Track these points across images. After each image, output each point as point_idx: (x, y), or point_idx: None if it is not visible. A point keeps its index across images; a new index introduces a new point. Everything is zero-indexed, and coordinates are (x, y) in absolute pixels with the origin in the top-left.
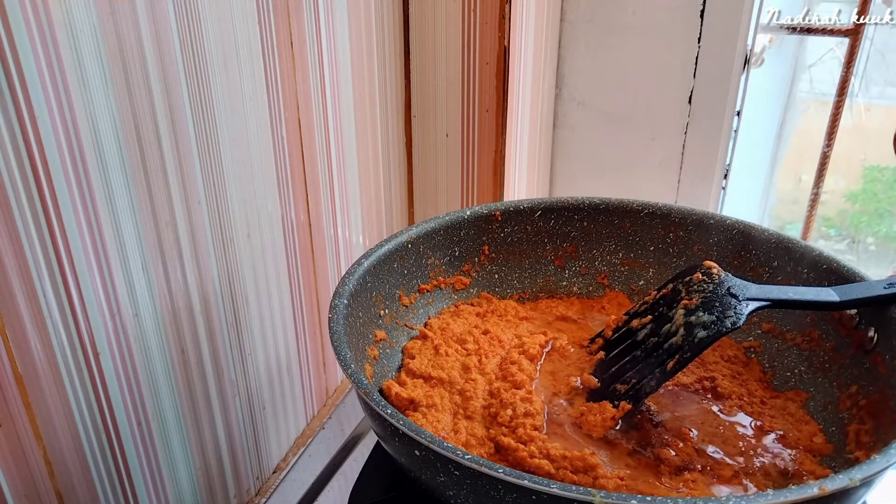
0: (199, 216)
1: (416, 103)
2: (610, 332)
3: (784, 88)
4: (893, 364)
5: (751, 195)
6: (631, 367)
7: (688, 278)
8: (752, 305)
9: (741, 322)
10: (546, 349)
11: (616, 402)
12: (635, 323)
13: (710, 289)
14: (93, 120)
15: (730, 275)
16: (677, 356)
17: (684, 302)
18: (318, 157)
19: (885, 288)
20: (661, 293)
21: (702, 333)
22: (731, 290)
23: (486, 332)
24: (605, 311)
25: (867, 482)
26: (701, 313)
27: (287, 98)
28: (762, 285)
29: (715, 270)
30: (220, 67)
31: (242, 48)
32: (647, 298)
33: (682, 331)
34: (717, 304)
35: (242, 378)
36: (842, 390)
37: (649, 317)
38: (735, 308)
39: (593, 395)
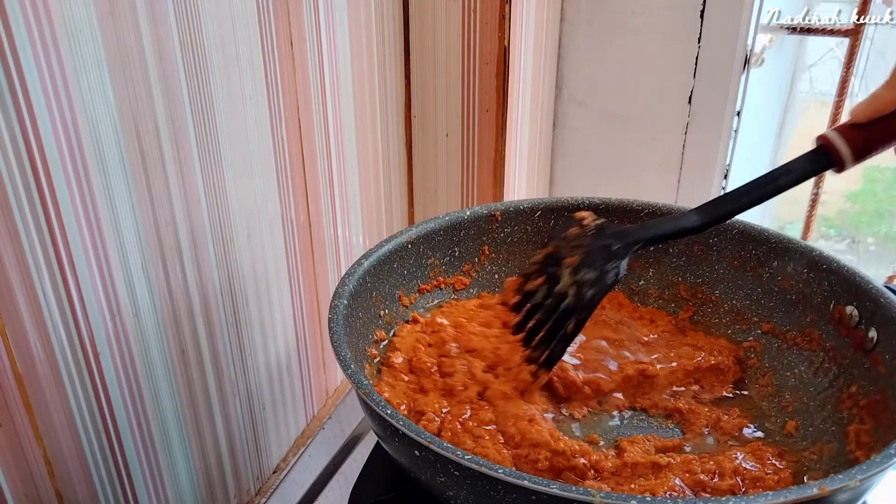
0: (199, 216)
1: (416, 103)
2: (510, 298)
3: (784, 88)
4: (893, 364)
5: None
6: (536, 331)
7: (564, 234)
8: (629, 252)
9: (622, 274)
10: None
11: (535, 369)
12: (530, 286)
13: (588, 242)
14: (93, 120)
15: (603, 222)
16: (573, 318)
17: (567, 260)
18: (318, 157)
19: (740, 204)
20: (545, 253)
21: (590, 292)
22: (606, 242)
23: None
24: (604, 309)
25: (867, 482)
26: (584, 271)
27: (287, 98)
28: (633, 227)
29: (587, 221)
30: (220, 67)
31: (242, 48)
32: (535, 258)
33: (572, 290)
34: (596, 259)
35: (242, 378)
36: (842, 390)
37: (542, 278)
38: (614, 258)
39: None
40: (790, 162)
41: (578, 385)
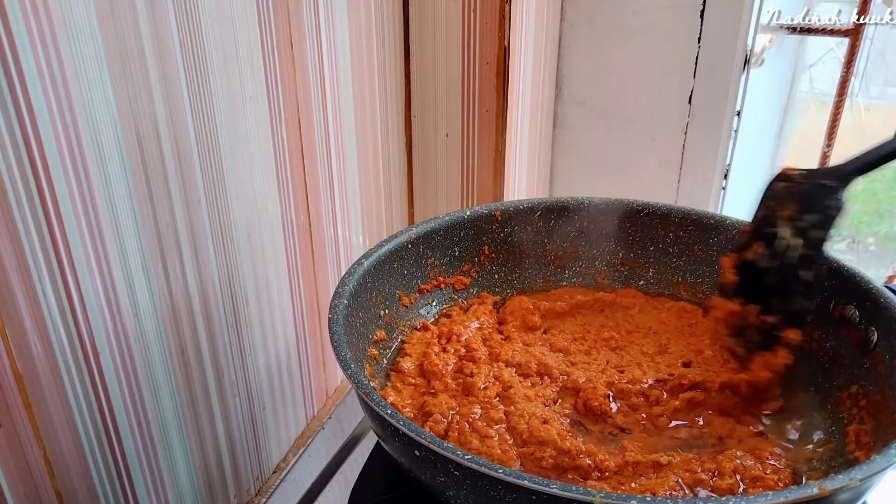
0: (199, 216)
1: (416, 103)
2: (730, 278)
3: (784, 88)
4: (893, 364)
5: (751, 195)
6: (775, 295)
7: (773, 192)
8: (845, 184)
9: (843, 204)
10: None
11: (773, 337)
12: (749, 254)
13: (800, 189)
14: (93, 120)
15: (809, 169)
16: (812, 266)
17: (781, 213)
18: (318, 157)
19: None
20: (757, 218)
21: (817, 234)
22: (819, 181)
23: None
24: (621, 304)
25: (867, 482)
26: (805, 216)
27: (287, 98)
28: (843, 162)
29: (793, 173)
30: (220, 67)
31: (242, 48)
32: (744, 229)
33: (795, 241)
34: (813, 200)
35: (242, 378)
36: (842, 390)
37: (760, 244)
38: (831, 194)
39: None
40: None
41: (610, 416)
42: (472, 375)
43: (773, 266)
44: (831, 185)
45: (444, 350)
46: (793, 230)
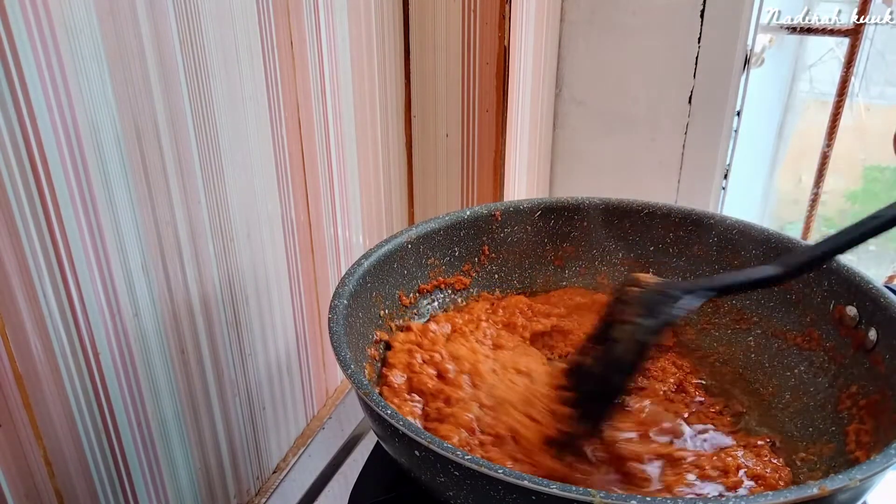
0: (199, 216)
1: (416, 103)
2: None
3: (784, 88)
4: (893, 364)
5: (751, 195)
6: (587, 399)
7: (624, 295)
8: (696, 298)
9: (684, 311)
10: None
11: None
12: (587, 361)
13: (646, 295)
14: (93, 120)
15: (665, 281)
16: (622, 374)
17: (622, 317)
18: (318, 157)
19: (820, 252)
20: (602, 321)
21: (643, 333)
22: (668, 292)
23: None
24: None
25: (867, 482)
26: (642, 320)
27: (287, 98)
28: (701, 280)
29: (643, 280)
30: (220, 67)
31: (242, 48)
32: (589, 333)
33: (621, 346)
34: (655, 306)
35: (242, 378)
36: (842, 390)
37: (598, 348)
38: (670, 303)
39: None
40: (877, 210)
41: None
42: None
43: (599, 370)
44: (678, 295)
45: (431, 359)
46: (628, 334)
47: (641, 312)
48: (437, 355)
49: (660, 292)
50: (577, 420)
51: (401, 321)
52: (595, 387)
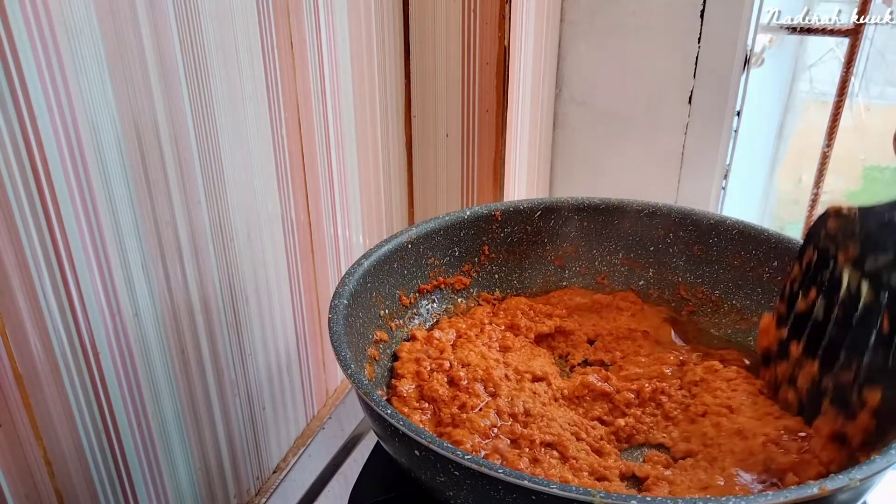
0: (199, 216)
1: (416, 103)
2: (769, 341)
3: (784, 88)
4: (893, 364)
5: (751, 195)
6: (835, 356)
7: (824, 233)
8: None
9: None
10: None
11: (846, 401)
12: (801, 306)
13: (858, 228)
14: (93, 120)
15: (865, 205)
16: (886, 313)
17: (842, 256)
18: (318, 157)
19: None
20: (805, 263)
21: (894, 276)
22: (881, 218)
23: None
24: (620, 309)
25: (867, 482)
26: (873, 256)
27: (287, 98)
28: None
29: (844, 210)
30: (220, 67)
31: (242, 48)
32: (793, 273)
33: (865, 285)
34: (882, 238)
35: (242, 378)
36: None
37: (812, 292)
38: None
39: (807, 411)
40: None
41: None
42: (467, 408)
43: (836, 318)
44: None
45: (440, 367)
46: (860, 274)
47: (867, 248)
48: (446, 363)
49: (881, 222)
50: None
51: (401, 321)
52: (840, 332)
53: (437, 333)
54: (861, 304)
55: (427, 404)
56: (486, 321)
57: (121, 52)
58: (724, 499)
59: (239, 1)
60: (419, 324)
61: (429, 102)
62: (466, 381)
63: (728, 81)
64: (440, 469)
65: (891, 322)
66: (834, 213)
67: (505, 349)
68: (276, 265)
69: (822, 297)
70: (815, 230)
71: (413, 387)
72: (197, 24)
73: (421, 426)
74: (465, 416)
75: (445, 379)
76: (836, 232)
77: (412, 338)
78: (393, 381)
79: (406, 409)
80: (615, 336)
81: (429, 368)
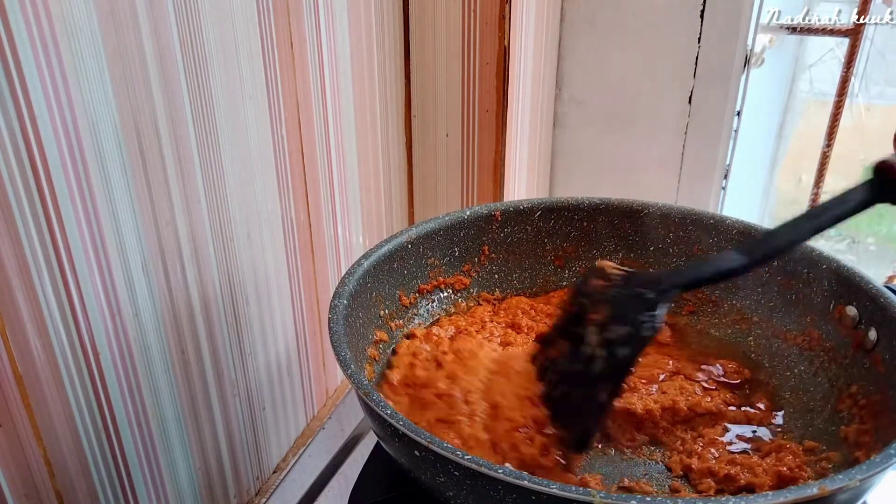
0: (199, 216)
1: (416, 103)
2: (531, 363)
3: (784, 88)
4: (893, 364)
5: (751, 195)
6: (565, 406)
7: (588, 288)
8: (666, 299)
9: (658, 325)
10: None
11: (563, 449)
12: (553, 353)
13: (614, 294)
14: (93, 120)
15: (631, 270)
16: (609, 384)
17: (592, 317)
18: (318, 157)
19: (785, 241)
20: (567, 312)
21: (623, 351)
22: (636, 291)
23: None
24: None
25: (867, 482)
26: (614, 327)
27: (287, 98)
28: (666, 272)
29: (609, 270)
30: (220, 67)
31: (242, 48)
32: (556, 321)
33: (601, 352)
34: (628, 311)
35: (242, 378)
36: (842, 390)
37: (566, 342)
38: (648, 309)
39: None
40: (844, 192)
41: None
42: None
43: (571, 372)
44: (649, 296)
45: (433, 357)
46: (598, 339)
47: (612, 316)
48: (440, 354)
49: (633, 293)
50: (561, 427)
51: (401, 321)
52: (572, 392)
53: (435, 330)
54: (594, 367)
55: (410, 388)
56: (487, 319)
57: (121, 52)
58: (723, 499)
59: (239, 1)
60: (419, 323)
61: (429, 102)
62: (449, 364)
63: (728, 81)
64: (440, 469)
65: (609, 394)
66: (601, 272)
67: (506, 345)
68: (276, 265)
69: (571, 349)
70: (583, 283)
71: (401, 376)
72: (197, 24)
73: (398, 410)
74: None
75: (434, 365)
76: (594, 291)
77: (412, 335)
78: (386, 370)
79: (394, 398)
80: None
81: (423, 358)
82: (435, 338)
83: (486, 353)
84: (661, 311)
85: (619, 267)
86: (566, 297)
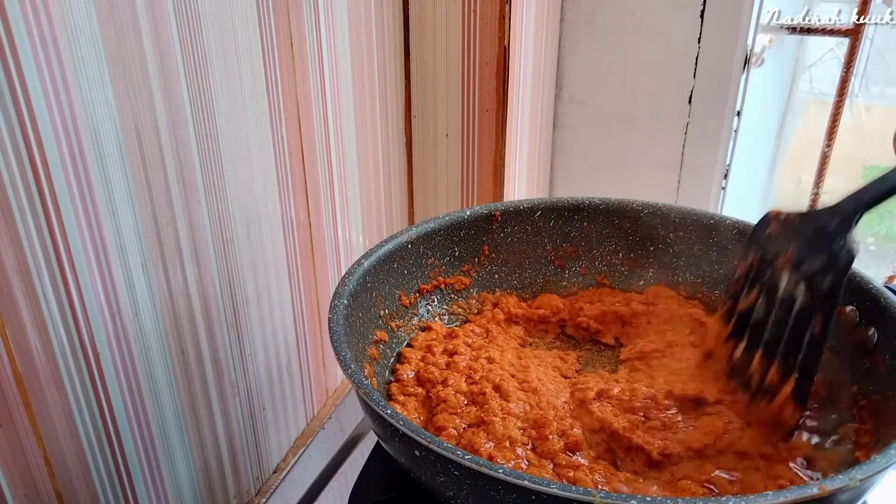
0: (199, 216)
1: (416, 103)
2: (719, 329)
3: (784, 88)
4: (893, 364)
5: (751, 195)
6: (770, 354)
7: (764, 237)
8: (850, 226)
9: (855, 249)
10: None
11: (773, 394)
12: (742, 305)
13: (798, 232)
14: (93, 120)
15: (804, 210)
16: (820, 316)
17: (781, 259)
18: (318, 157)
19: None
20: (748, 264)
21: (827, 280)
22: (819, 224)
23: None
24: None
25: (867, 482)
26: (810, 260)
27: (287, 98)
28: (843, 200)
29: (783, 215)
30: (220, 68)
31: (242, 48)
32: (737, 274)
33: (802, 287)
34: (818, 243)
35: (242, 378)
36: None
37: (754, 292)
38: (836, 237)
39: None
40: None
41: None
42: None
43: (773, 317)
44: (833, 227)
45: (446, 351)
46: (794, 277)
47: (804, 252)
48: (456, 348)
49: (816, 229)
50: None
51: (401, 321)
52: (776, 332)
53: (459, 330)
54: (797, 305)
55: (420, 388)
56: (510, 320)
57: (121, 53)
58: (724, 499)
59: (239, 1)
60: (417, 322)
61: (429, 102)
62: (465, 362)
63: (728, 81)
64: (440, 469)
65: (822, 324)
66: (774, 216)
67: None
68: (276, 265)
69: (764, 297)
70: (758, 233)
71: (413, 374)
72: (197, 24)
73: (408, 412)
74: (443, 393)
75: (445, 364)
76: (776, 235)
77: (427, 329)
78: (396, 364)
79: (402, 397)
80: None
81: (437, 352)
82: (454, 339)
83: (503, 357)
84: (850, 236)
85: (787, 211)
86: (740, 255)
